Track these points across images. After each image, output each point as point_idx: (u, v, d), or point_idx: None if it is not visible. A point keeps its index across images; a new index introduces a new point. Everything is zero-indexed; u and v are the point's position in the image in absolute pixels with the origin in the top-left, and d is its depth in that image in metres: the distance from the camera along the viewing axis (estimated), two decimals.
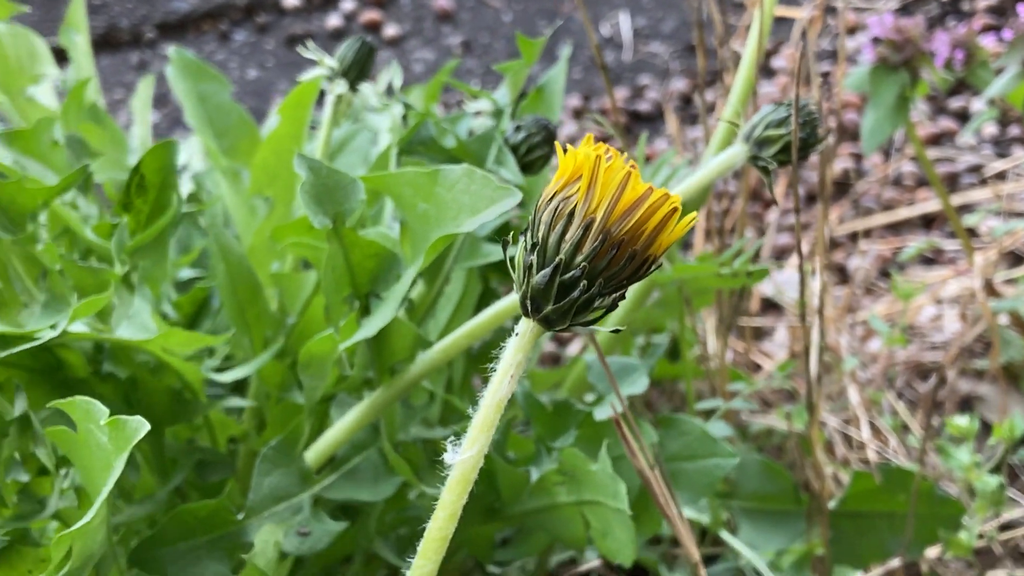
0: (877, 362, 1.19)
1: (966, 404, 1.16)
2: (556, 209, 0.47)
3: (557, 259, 0.46)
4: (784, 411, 1.04)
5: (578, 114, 1.59)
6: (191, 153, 1.13)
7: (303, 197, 0.63)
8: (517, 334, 0.48)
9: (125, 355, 0.68)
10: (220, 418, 0.74)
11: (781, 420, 1.03)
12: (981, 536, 0.98)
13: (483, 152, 0.76)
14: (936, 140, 1.49)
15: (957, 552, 0.92)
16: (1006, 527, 1.03)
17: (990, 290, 1.16)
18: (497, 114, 0.80)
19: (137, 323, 0.66)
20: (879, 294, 1.32)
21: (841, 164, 1.47)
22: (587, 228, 0.46)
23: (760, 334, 1.26)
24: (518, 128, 0.76)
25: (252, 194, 0.83)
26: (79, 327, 0.63)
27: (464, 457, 0.48)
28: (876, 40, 1.03)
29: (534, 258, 0.47)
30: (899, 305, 1.25)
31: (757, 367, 1.17)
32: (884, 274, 1.34)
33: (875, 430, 1.08)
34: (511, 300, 0.64)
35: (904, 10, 1.67)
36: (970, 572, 0.99)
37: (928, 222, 1.40)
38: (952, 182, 1.43)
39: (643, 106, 1.58)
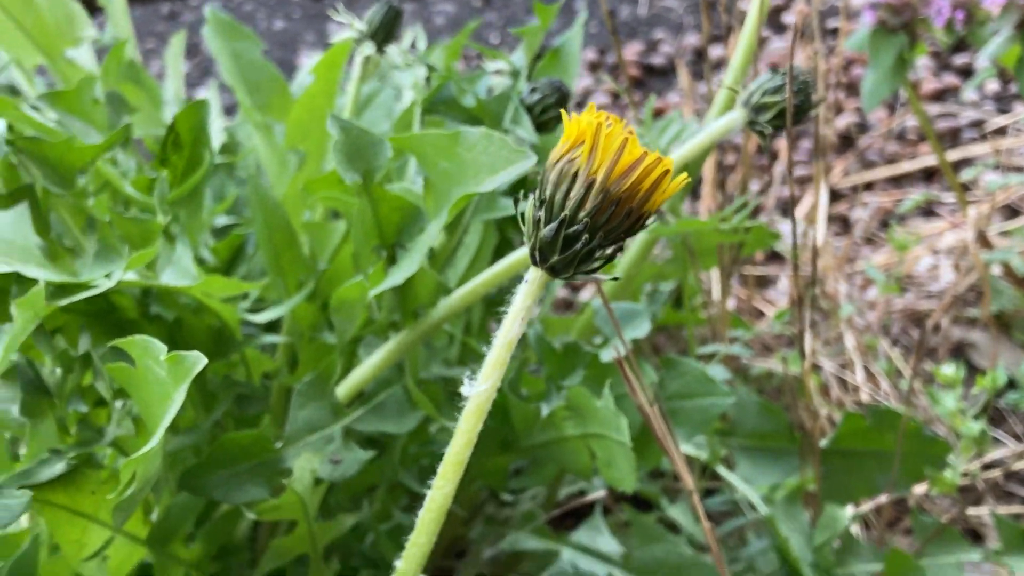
0: (874, 309, 1.24)
1: (958, 350, 1.21)
2: (562, 170, 0.53)
3: (562, 215, 0.52)
4: (782, 355, 1.10)
5: (594, 67, 1.64)
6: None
7: (335, 155, 0.69)
8: (527, 281, 0.54)
9: (170, 298, 0.74)
10: (255, 355, 0.80)
11: (779, 364, 1.09)
12: (965, 475, 1.04)
13: (501, 111, 0.82)
14: (939, 96, 1.54)
15: (942, 489, 0.98)
16: (989, 466, 1.09)
17: (983, 242, 1.21)
18: (514, 74, 0.85)
19: (180, 269, 0.72)
20: (879, 244, 1.37)
21: (846, 119, 1.52)
22: (589, 187, 0.52)
23: (764, 282, 1.32)
24: (533, 90, 0.82)
25: (287, 148, 0.89)
26: (130, 275, 0.69)
27: (479, 390, 0.54)
28: (876, 4, 1.07)
29: (542, 214, 0.53)
30: (897, 256, 1.30)
31: (760, 314, 1.23)
32: (884, 225, 1.40)
33: (869, 374, 1.14)
34: (524, 251, 0.70)
35: None
36: (954, 508, 1.05)
37: (929, 175, 1.45)
38: (954, 137, 1.47)
39: (657, 60, 1.63)
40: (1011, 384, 1.16)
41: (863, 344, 1.16)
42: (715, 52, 1.62)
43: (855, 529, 1.03)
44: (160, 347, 0.58)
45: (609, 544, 0.84)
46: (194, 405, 0.77)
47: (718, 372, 0.93)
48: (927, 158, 1.46)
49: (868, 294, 1.29)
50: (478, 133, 0.66)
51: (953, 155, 1.43)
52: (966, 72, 1.57)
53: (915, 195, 1.39)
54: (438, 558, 0.85)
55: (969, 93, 1.51)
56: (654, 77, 1.63)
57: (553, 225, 0.52)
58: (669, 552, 0.83)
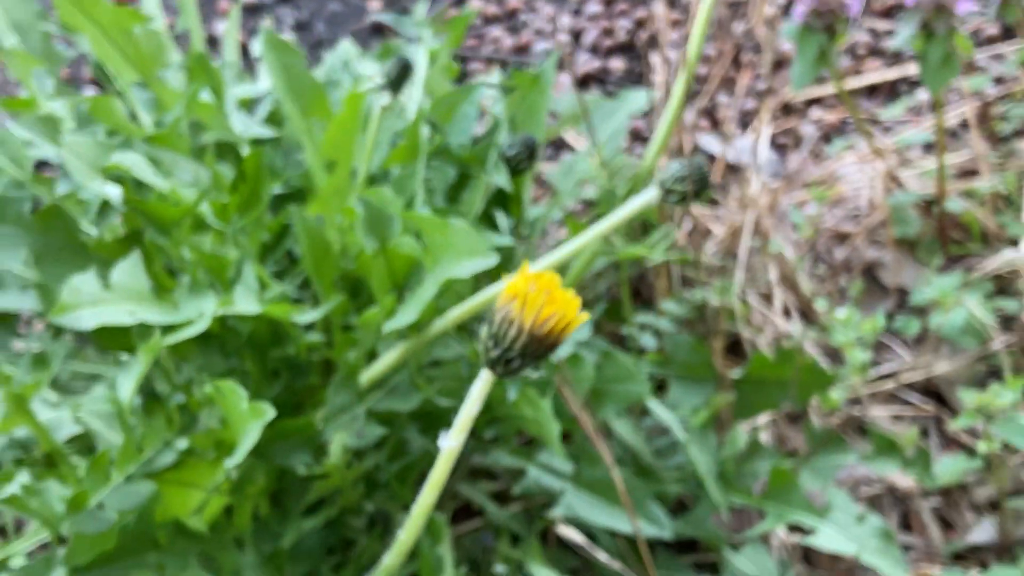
0: (808, 227, 1.50)
1: (870, 269, 1.48)
2: (504, 315, 0.80)
3: (501, 349, 0.79)
4: (717, 285, 1.37)
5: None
6: None
7: (359, 228, 0.95)
8: (481, 379, 0.81)
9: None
10: (303, 338, 1.09)
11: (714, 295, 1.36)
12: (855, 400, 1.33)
13: (485, 157, 1.08)
14: (889, 12, 1.74)
15: (829, 406, 1.27)
16: (882, 378, 1.38)
17: (892, 177, 1.46)
18: (496, 125, 1.10)
19: (249, 294, 1.00)
20: (826, 158, 1.61)
21: None
22: (519, 331, 0.79)
23: (716, 203, 1.57)
24: (511, 145, 1.07)
25: (323, 157, 1.14)
26: (214, 307, 0.96)
27: (451, 445, 0.83)
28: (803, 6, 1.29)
29: (491, 343, 0.80)
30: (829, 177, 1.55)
31: (708, 232, 1.49)
32: (828, 140, 1.64)
33: (787, 304, 1.41)
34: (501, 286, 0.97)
35: None
36: (836, 417, 1.34)
37: (872, 90, 1.68)
38: (897, 56, 1.69)
39: None
40: (903, 303, 1.43)
41: (788, 272, 1.42)
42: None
43: (764, 436, 1.32)
44: (243, 393, 0.87)
45: (564, 465, 1.13)
46: (261, 379, 1.06)
47: (663, 323, 1.22)
48: (872, 74, 1.68)
49: (807, 210, 1.54)
50: (462, 226, 0.92)
51: (895, 73, 1.66)
52: None
53: (859, 111, 1.63)
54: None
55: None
56: None
57: (496, 352, 0.79)
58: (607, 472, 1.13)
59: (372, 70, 1.08)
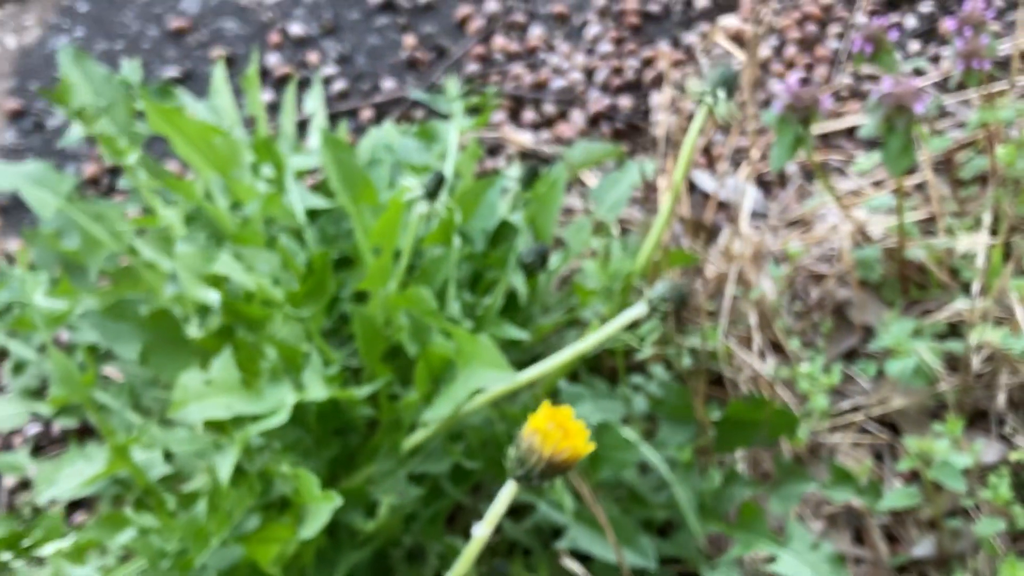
0: (788, 267, 1.71)
1: (840, 308, 1.69)
2: (528, 443, 1.02)
3: (525, 470, 1.01)
4: (704, 329, 1.59)
5: (603, 14, 2.02)
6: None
7: (403, 333, 1.17)
8: (507, 489, 1.04)
9: None
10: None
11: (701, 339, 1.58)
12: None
13: (505, 260, 1.29)
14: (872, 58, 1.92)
15: (795, 443, 1.50)
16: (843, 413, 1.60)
17: (859, 233, 1.67)
18: (513, 231, 1.31)
19: (317, 381, 1.22)
20: (808, 194, 1.81)
21: (796, 74, 1.92)
22: (539, 459, 1.01)
23: (714, 234, 1.78)
24: (528, 252, 1.28)
25: (371, 242, 1.35)
26: (292, 398, 1.18)
27: (482, 533, 1.06)
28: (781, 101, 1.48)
29: (516, 464, 1.02)
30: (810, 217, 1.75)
31: (700, 273, 1.70)
32: (811, 179, 1.84)
33: (768, 346, 1.63)
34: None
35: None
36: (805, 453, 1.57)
37: (851, 132, 1.87)
38: None
39: (653, 7, 2.01)
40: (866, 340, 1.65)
41: (767, 311, 1.63)
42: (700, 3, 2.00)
43: (742, 466, 1.55)
44: (315, 480, 1.10)
45: (568, 503, 1.36)
46: (323, 440, 1.29)
47: (658, 371, 1.44)
48: (852, 116, 1.87)
49: (791, 244, 1.74)
50: (487, 344, 1.14)
51: None
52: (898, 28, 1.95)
53: (839, 153, 1.83)
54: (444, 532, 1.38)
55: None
56: (651, 22, 2.01)
57: (521, 472, 1.02)
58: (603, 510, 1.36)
59: (412, 183, 1.28)
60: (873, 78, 1.92)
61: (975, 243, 1.60)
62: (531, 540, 1.40)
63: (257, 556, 1.14)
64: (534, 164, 1.42)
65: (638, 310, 1.19)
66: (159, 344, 1.23)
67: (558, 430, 1.00)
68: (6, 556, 1.24)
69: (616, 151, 1.69)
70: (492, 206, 1.38)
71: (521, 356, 1.40)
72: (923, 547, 1.50)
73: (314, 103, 1.65)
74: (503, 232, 1.35)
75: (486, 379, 1.13)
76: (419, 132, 1.52)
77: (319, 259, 1.24)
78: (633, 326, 1.24)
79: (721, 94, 1.22)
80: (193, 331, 1.21)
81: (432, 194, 1.28)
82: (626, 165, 1.54)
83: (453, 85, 1.59)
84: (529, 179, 1.42)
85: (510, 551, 1.39)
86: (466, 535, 1.37)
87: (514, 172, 1.43)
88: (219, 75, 1.56)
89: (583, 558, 1.32)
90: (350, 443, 1.29)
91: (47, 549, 1.20)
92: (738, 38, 1.96)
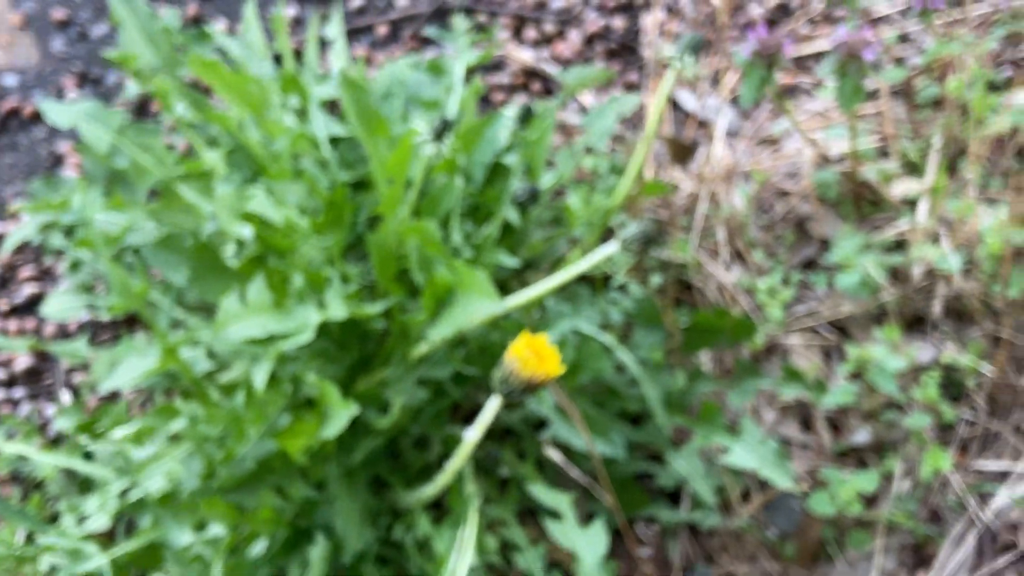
0: (757, 183, 1.87)
1: (801, 222, 1.86)
2: (510, 367, 1.21)
3: (508, 388, 1.21)
4: (680, 240, 1.77)
5: None
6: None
7: (412, 265, 1.36)
8: (492, 402, 1.24)
9: None
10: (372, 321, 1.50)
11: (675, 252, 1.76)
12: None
13: (502, 196, 1.46)
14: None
15: (753, 347, 1.70)
16: (799, 318, 1.79)
17: (821, 155, 1.83)
18: (492, 171, 1.48)
19: (338, 302, 1.40)
20: (782, 114, 1.97)
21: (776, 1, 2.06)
22: (519, 380, 1.21)
23: (694, 150, 1.94)
24: (521, 192, 1.45)
25: (386, 174, 1.52)
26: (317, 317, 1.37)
27: (472, 437, 1.26)
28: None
29: (500, 383, 1.22)
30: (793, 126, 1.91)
31: (677, 188, 1.87)
32: (783, 98, 1.99)
33: (735, 256, 1.81)
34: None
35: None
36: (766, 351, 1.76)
37: (820, 56, 2.02)
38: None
39: None
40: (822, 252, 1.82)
41: (736, 223, 1.81)
42: None
43: (707, 365, 1.74)
44: (336, 390, 1.30)
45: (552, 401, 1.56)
46: (344, 346, 1.48)
47: (633, 287, 1.63)
48: (823, 41, 2.02)
49: (763, 162, 1.91)
50: (483, 277, 1.33)
51: None
52: None
53: (809, 76, 1.98)
54: (447, 424, 1.58)
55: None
56: None
57: (505, 389, 1.21)
58: (583, 406, 1.56)
59: (421, 125, 1.44)
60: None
61: (923, 168, 1.77)
62: (522, 428, 1.60)
63: (288, 448, 1.34)
64: (528, 105, 1.58)
65: (611, 248, 1.36)
66: (203, 272, 1.42)
67: (534, 356, 1.19)
68: (84, 439, 1.46)
69: (608, 74, 1.84)
70: (492, 142, 1.55)
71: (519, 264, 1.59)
72: (861, 435, 1.70)
73: (334, 30, 1.80)
74: (500, 170, 1.53)
75: (480, 306, 1.32)
76: (429, 67, 1.68)
77: (338, 193, 1.41)
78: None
79: (688, 58, 1.38)
80: (231, 260, 1.40)
81: (439, 136, 1.45)
82: (613, 98, 1.70)
83: (460, 21, 1.74)
84: (524, 119, 1.58)
85: (503, 436, 1.60)
86: (466, 425, 1.58)
87: (511, 112, 1.59)
88: (250, 11, 1.72)
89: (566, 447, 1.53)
90: (367, 350, 1.48)
91: (116, 434, 1.41)
92: None
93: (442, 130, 1.43)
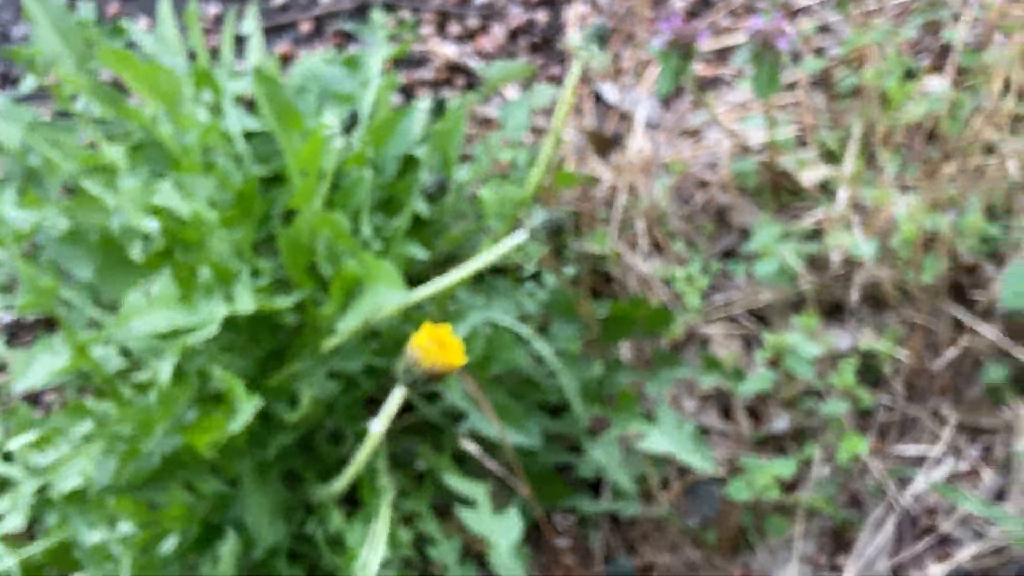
0: (677, 172, 1.86)
1: (721, 211, 1.85)
2: (413, 355, 1.19)
3: (411, 378, 1.19)
4: (599, 233, 1.75)
5: None
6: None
7: (321, 257, 1.33)
8: (396, 393, 1.22)
9: None
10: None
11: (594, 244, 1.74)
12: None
13: (411, 188, 1.44)
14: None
15: (671, 336, 1.68)
16: (719, 307, 1.78)
17: (740, 146, 1.82)
18: (405, 164, 1.46)
19: (246, 295, 1.38)
20: (704, 105, 1.96)
21: None
22: (421, 370, 1.19)
23: (616, 143, 1.92)
24: (431, 184, 1.43)
25: (299, 166, 1.50)
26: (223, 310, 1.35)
27: (376, 430, 1.24)
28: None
29: (403, 372, 1.20)
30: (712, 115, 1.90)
31: (598, 181, 1.85)
32: (705, 90, 1.98)
33: (655, 247, 1.79)
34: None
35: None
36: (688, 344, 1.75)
37: (741, 48, 2.01)
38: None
39: None
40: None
41: (655, 215, 1.80)
42: None
43: (627, 355, 1.73)
44: (241, 384, 1.27)
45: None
46: (255, 339, 1.46)
47: (548, 278, 1.61)
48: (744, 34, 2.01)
49: (683, 152, 1.90)
50: (390, 268, 1.30)
51: None
52: None
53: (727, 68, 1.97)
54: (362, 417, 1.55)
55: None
56: None
57: (408, 379, 1.20)
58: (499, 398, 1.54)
59: (331, 119, 1.42)
60: None
61: (841, 157, 1.76)
62: (441, 420, 1.58)
63: (195, 443, 1.31)
64: (442, 98, 1.56)
65: (518, 238, 1.35)
66: (108, 267, 1.39)
67: (437, 346, 1.18)
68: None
69: (530, 69, 1.82)
70: (404, 135, 1.52)
71: (436, 259, 1.57)
72: (781, 423, 1.70)
73: (250, 26, 1.77)
74: (412, 162, 1.51)
75: (386, 297, 1.30)
76: (344, 62, 1.65)
77: (247, 186, 1.39)
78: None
79: (595, 48, 1.36)
80: (137, 254, 1.37)
81: (348, 129, 1.43)
82: (528, 91, 1.68)
83: (378, 16, 1.72)
84: (437, 111, 1.56)
85: (422, 430, 1.58)
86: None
87: (424, 105, 1.57)
88: (165, 7, 1.69)
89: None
90: (279, 344, 1.46)
91: (13, 444, 1.38)
92: None
93: (351, 124, 1.42)
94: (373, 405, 1.53)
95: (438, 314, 1.46)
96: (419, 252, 1.40)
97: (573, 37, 1.40)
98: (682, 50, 1.62)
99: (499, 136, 1.67)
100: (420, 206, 1.44)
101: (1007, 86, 1.80)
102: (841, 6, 1.72)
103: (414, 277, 1.42)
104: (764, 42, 1.59)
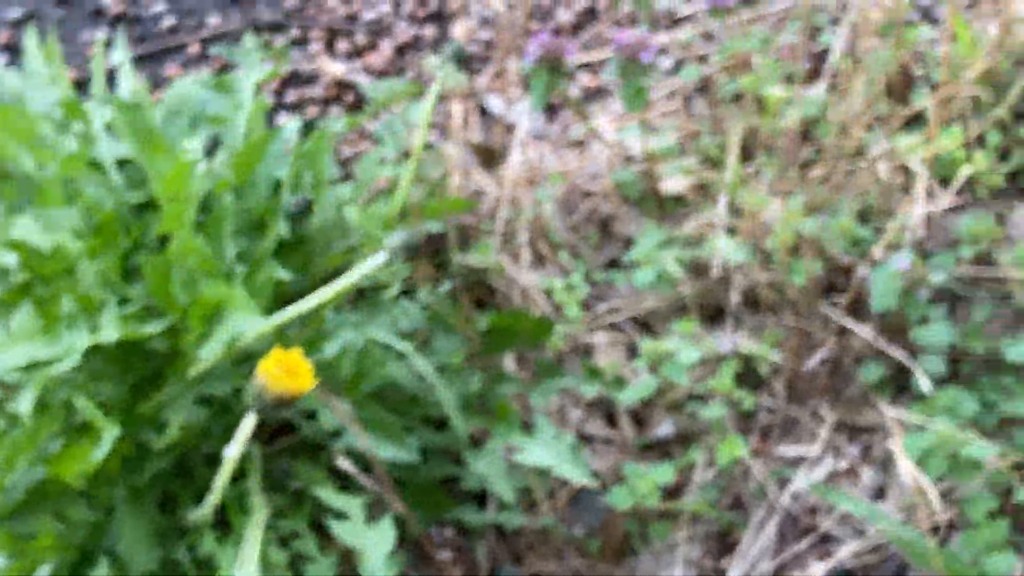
0: (562, 183, 1.87)
1: (605, 221, 1.86)
2: (261, 383, 1.20)
3: (260, 404, 1.20)
4: (483, 244, 1.76)
5: None
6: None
7: (176, 286, 1.34)
8: (248, 418, 1.22)
9: None
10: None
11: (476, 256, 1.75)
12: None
13: (276, 211, 1.45)
14: None
15: (553, 347, 1.69)
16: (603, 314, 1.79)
17: (622, 155, 1.83)
18: (277, 185, 1.46)
19: (111, 324, 1.38)
20: (589, 115, 1.97)
21: (582, 4, 2.06)
22: (270, 395, 1.19)
23: (503, 155, 1.93)
24: (295, 204, 1.44)
25: (166, 192, 1.50)
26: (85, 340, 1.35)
27: (231, 454, 1.24)
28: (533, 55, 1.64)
29: (253, 400, 1.20)
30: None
31: (483, 193, 1.86)
32: (591, 101, 1.99)
33: (539, 258, 1.80)
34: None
35: None
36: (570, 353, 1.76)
37: None
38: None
39: None
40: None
41: (541, 226, 1.81)
42: None
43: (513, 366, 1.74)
44: (99, 412, 1.27)
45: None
46: (126, 365, 1.45)
47: (422, 294, 1.61)
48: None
49: (569, 163, 1.91)
50: (245, 298, 1.31)
51: None
52: None
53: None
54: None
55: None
56: None
57: (258, 405, 1.20)
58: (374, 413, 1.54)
59: (193, 144, 1.42)
60: None
61: (722, 164, 1.78)
62: (319, 438, 1.59)
63: (60, 473, 1.31)
64: (310, 119, 1.56)
65: (377, 260, 1.35)
66: None
67: (285, 372, 1.18)
68: None
69: (416, 87, 1.83)
70: (274, 158, 1.53)
71: (317, 279, 1.58)
72: (665, 428, 1.71)
73: (120, 55, 1.77)
74: (279, 184, 1.51)
75: (243, 323, 1.30)
76: (216, 85, 1.65)
77: (108, 215, 1.39)
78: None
79: (451, 68, 1.37)
80: None
81: (210, 152, 1.43)
82: (407, 107, 1.69)
83: (250, 39, 1.72)
84: (306, 132, 1.57)
85: (299, 449, 1.58)
86: (266, 441, 1.56)
87: (293, 126, 1.58)
88: (31, 43, 1.69)
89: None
90: (151, 370, 1.46)
91: None
92: None
93: (212, 148, 1.42)
94: (263, 428, 1.54)
95: (309, 334, 1.47)
96: (284, 274, 1.40)
97: (429, 59, 1.40)
98: (552, 65, 1.62)
99: (378, 154, 1.67)
100: (282, 228, 1.45)
101: (881, 89, 1.82)
102: (716, 14, 1.73)
103: (296, 297, 1.42)
104: (629, 56, 1.61)
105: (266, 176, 1.53)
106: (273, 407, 1.19)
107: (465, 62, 1.39)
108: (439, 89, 1.39)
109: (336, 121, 1.69)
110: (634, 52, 1.60)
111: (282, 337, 1.47)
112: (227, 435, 1.43)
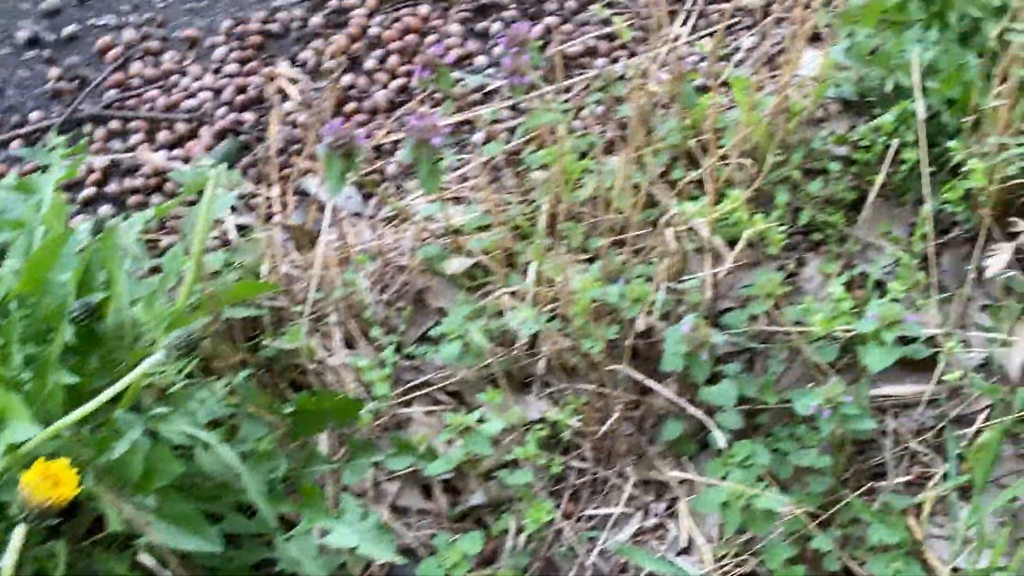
0: (378, 259, 1.91)
1: (420, 293, 1.90)
2: (24, 494, 1.22)
3: (26, 514, 1.21)
4: (295, 328, 1.79)
5: (228, 36, 2.18)
6: None
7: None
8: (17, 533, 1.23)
9: None
10: None
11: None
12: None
13: (62, 316, 1.47)
14: (462, 61, 2.12)
15: (362, 424, 1.72)
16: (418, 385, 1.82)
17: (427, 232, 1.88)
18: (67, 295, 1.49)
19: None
20: (406, 191, 2.02)
21: (399, 81, 2.11)
22: (33, 506, 1.21)
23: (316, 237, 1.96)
24: (75, 309, 1.46)
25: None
26: None
27: (5, 564, 1.26)
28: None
29: (20, 511, 1.22)
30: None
31: (296, 279, 1.89)
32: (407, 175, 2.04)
33: (351, 336, 1.84)
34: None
35: None
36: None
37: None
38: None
39: (273, 26, 2.17)
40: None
41: (355, 303, 1.84)
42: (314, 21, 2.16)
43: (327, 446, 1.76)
44: None
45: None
46: None
47: (218, 385, 1.64)
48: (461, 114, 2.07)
49: (386, 239, 1.95)
50: (15, 399, 1.33)
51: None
52: (486, 36, 2.14)
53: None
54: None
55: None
56: (271, 40, 2.18)
57: (23, 516, 1.22)
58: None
59: None
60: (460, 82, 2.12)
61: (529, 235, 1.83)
62: (124, 533, 1.60)
63: None
64: (102, 218, 1.59)
65: (155, 359, 1.38)
66: None
67: (47, 482, 1.20)
68: None
69: (228, 175, 1.86)
70: (68, 259, 1.55)
71: (118, 379, 1.59)
72: (478, 497, 1.74)
73: None
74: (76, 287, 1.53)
75: (20, 432, 1.32)
76: (17, 186, 1.68)
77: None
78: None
79: (223, 167, 1.40)
80: None
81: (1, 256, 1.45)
82: (206, 199, 1.71)
83: (53, 137, 1.75)
84: (97, 232, 1.59)
85: (108, 545, 1.60)
86: (66, 537, 1.57)
87: (85, 226, 1.60)
88: None
89: None
90: None
91: None
92: (346, 53, 2.13)
93: (2, 254, 1.44)
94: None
95: (102, 435, 1.48)
96: (69, 379, 1.42)
97: (203, 158, 1.44)
98: (344, 150, 1.66)
99: (181, 246, 1.70)
100: (67, 333, 1.47)
101: (675, 157, 1.89)
102: (515, 91, 1.79)
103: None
104: (420, 139, 1.65)
105: (59, 279, 1.54)
106: (37, 517, 1.21)
107: (248, 152, 1.42)
108: (213, 192, 1.43)
109: (143, 213, 1.71)
110: (425, 135, 1.65)
111: (80, 439, 1.49)
112: (27, 544, 1.45)
